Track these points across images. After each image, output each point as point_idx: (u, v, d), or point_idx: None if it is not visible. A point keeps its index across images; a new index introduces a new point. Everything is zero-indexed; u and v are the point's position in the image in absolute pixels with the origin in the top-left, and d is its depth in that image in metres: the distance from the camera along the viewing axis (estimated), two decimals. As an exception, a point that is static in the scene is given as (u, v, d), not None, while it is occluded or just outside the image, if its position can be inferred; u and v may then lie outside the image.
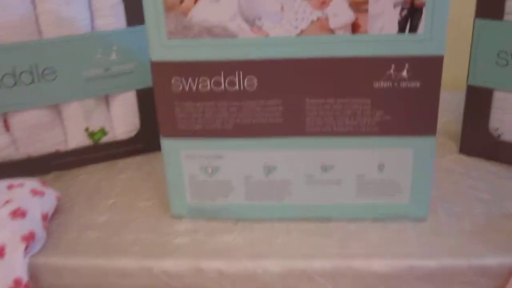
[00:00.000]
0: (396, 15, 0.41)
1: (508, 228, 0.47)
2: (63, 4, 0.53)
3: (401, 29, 0.41)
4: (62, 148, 0.59)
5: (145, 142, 0.61)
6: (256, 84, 0.44)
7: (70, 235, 0.48)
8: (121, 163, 0.61)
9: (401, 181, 0.47)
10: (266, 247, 0.45)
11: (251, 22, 0.42)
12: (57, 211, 0.51)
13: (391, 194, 0.47)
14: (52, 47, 0.54)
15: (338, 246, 0.45)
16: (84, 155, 0.59)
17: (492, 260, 0.43)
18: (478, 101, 0.57)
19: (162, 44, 0.43)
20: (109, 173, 0.59)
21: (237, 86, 0.44)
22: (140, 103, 0.60)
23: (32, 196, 0.48)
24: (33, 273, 0.44)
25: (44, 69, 0.54)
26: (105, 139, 0.60)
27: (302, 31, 0.42)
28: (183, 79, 0.44)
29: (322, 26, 0.42)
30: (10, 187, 0.49)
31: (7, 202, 0.46)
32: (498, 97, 0.56)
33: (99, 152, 0.60)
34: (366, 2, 0.41)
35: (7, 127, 0.55)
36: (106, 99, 0.59)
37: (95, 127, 0.59)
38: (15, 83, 0.53)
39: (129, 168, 0.59)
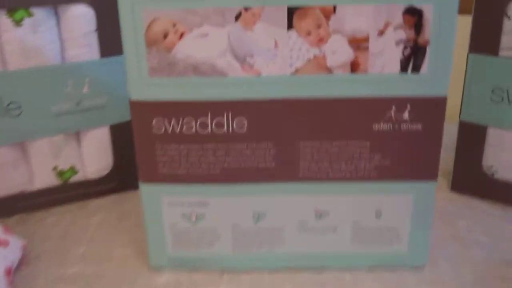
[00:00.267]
0: (399, 53, 0.38)
1: (511, 275, 0.44)
2: (30, 33, 0.49)
3: (403, 68, 0.38)
4: (27, 188, 0.54)
5: (119, 181, 0.57)
6: (246, 126, 0.40)
7: (36, 291, 0.43)
8: (93, 204, 0.56)
9: (399, 228, 0.44)
10: (256, 303, 0.42)
11: (242, 59, 0.38)
12: (22, 261, 0.46)
13: (388, 241, 0.44)
14: (17, 79, 0.49)
15: (335, 301, 0.42)
16: (52, 196, 0.55)
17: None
18: (471, 137, 0.55)
19: (143, 82, 0.39)
20: (80, 216, 0.54)
21: (225, 128, 0.40)
22: (114, 139, 0.55)
23: (-6, 248, 0.43)
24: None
25: (9, 103, 0.49)
26: (75, 179, 0.55)
27: (297, 70, 0.38)
28: (165, 120, 0.40)
29: (319, 65, 0.38)
30: (-32, 237, 0.44)
31: (-36, 256, 0.41)
32: (493, 134, 0.54)
33: (69, 192, 0.55)
34: (367, 40, 0.38)
35: (-34, 167, 0.50)
36: (77, 136, 0.55)
37: (64, 165, 0.54)
38: (-24, 119, 0.48)
39: (101, 210, 0.55)
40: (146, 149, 0.41)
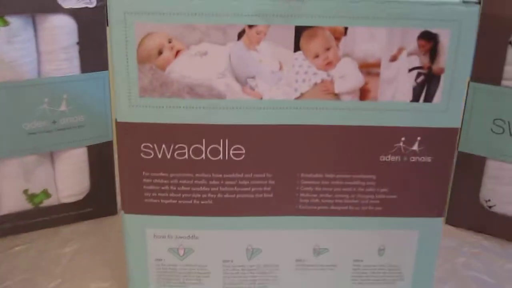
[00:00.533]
0: (411, 81, 0.35)
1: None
2: (4, 44, 0.44)
3: (416, 97, 0.36)
4: (-6, 213, 0.49)
5: (96, 206, 0.53)
6: (243, 154, 0.37)
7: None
8: (67, 231, 0.51)
9: (403, 266, 0.41)
10: None
11: (243, 81, 0.35)
12: (-16, 297, 0.41)
13: (391, 280, 0.41)
14: (-12, 94, 0.45)
15: None
16: (22, 222, 0.50)
17: None
18: (469, 169, 0.53)
19: (132, 103, 0.35)
20: (52, 244, 0.49)
21: (221, 156, 0.36)
22: (92, 161, 0.51)
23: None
24: None
25: (-23, 120, 0.45)
26: (47, 203, 0.51)
27: (302, 94, 0.35)
28: (155, 145, 0.36)
29: (326, 90, 0.35)
30: None
31: None
32: (492, 166, 0.52)
33: (40, 217, 0.51)
34: (378, 65, 0.35)
35: None
36: (51, 156, 0.50)
37: (36, 188, 0.50)
38: None
39: (77, 238, 0.50)
40: (132, 175, 0.37)
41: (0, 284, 0.43)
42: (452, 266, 0.48)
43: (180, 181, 0.37)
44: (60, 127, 0.48)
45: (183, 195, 0.37)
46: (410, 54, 0.35)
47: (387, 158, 0.37)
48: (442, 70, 0.35)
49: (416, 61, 0.35)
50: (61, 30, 0.46)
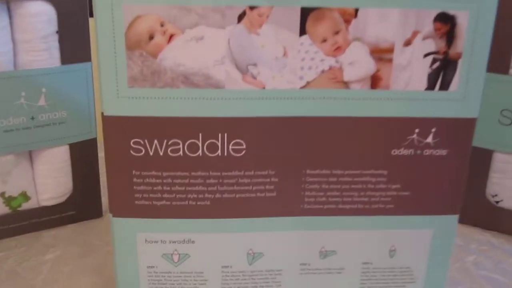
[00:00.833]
0: (426, 67, 0.32)
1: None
2: (-25, 33, 0.41)
3: (431, 85, 0.33)
4: (-33, 218, 0.45)
5: (79, 208, 0.49)
6: (244, 150, 0.33)
7: None
8: (48, 236, 0.48)
9: (415, 268, 0.38)
10: None
11: (243, 69, 0.31)
12: (-43, 311, 0.37)
13: (402, 283, 0.38)
14: (-42, 88, 0.41)
15: None
16: (-1, 227, 0.46)
17: None
18: (475, 163, 0.50)
19: (120, 94, 0.32)
20: (32, 251, 0.45)
21: (219, 152, 0.33)
22: (74, 160, 0.48)
23: None
24: None
25: None
26: (26, 206, 0.47)
27: (308, 83, 0.32)
28: (146, 140, 0.33)
29: (334, 78, 0.32)
30: None
31: None
32: (499, 160, 0.49)
33: (19, 222, 0.47)
34: (391, 50, 0.32)
35: None
36: (30, 156, 0.46)
37: (13, 191, 0.46)
38: None
39: (59, 244, 0.47)
40: (121, 175, 0.34)
41: (-25, 297, 0.40)
42: (462, 265, 0.46)
43: (174, 181, 0.34)
44: (39, 124, 0.45)
45: (177, 196, 0.34)
46: (425, 37, 0.32)
47: (400, 152, 0.34)
48: (459, 55, 0.32)
49: (431, 46, 0.32)
50: (38, 17, 0.42)
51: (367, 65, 0.32)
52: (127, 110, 0.32)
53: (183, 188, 0.34)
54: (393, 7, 0.31)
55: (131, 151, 0.33)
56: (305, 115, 0.33)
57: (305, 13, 0.31)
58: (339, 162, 0.34)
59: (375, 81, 0.33)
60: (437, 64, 0.33)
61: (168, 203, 0.34)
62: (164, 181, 0.34)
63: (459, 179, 0.36)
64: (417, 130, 0.34)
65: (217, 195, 0.34)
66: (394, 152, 0.34)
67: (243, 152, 0.33)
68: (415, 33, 0.32)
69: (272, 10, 0.30)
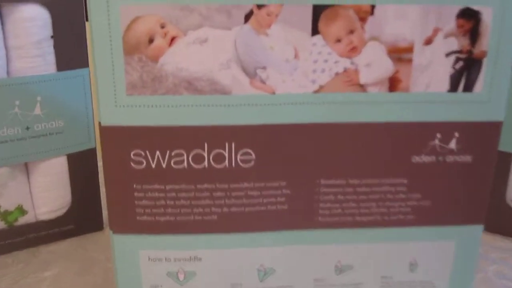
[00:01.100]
0: (448, 67, 0.30)
1: None
2: (-34, 39, 0.38)
3: (453, 86, 0.30)
4: (-39, 235, 0.43)
5: (78, 222, 0.47)
6: (253, 160, 0.31)
7: None
8: (46, 252, 0.45)
9: (437, 282, 0.35)
10: None
11: (251, 73, 0.29)
12: (-50, 336, 0.35)
13: (423, 299, 0.36)
14: (-52, 98, 0.39)
15: None
16: (-7, 243, 0.44)
17: None
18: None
19: (118, 102, 0.29)
20: (30, 268, 0.43)
21: (226, 163, 0.31)
22: (72, 171, 0.45)
23: None
24: None
25: None
26: (23, 220, 0.45)
27: (321, 87, 0.30)
28: (147, 152, 0.30)
29: (350, 81, 0.30)
30: None
31: None
32: (519, 163, 0.47)
33: (15, 238, 0.45)
34: (411, 49, 0.29)
35: None
36: (26, 168, 0.44)
37: (9, 205, 0.44)
38: None
39: (57, 260, 0.44)
40: (121, 189, 0.31)
41: (-32, 320, 0.37)
42: (485, 276, 0.43)
43: (178, 194, 0.31)
44: (34, 134, 0.42)
45: (182, 211, 0.32)
46: (447, 35, 0.30)
47: (420, 159, 0.32)
48: (484, 54, 0.30)
49: (454, 44, 0.30)
50: (32, 22, 0.40)
51: (385, 66, 0.30)
52: (126, 120, 0.30)
53: (188, 202, 0.31)
54: (412, 3, 0.29)
55: (132, 164, 0.31)
56: (318, 122, 0.30)
57: (318, 11, 0.28)
58: (356, 171, 0.32)
59: (393, 83, 0.30)
60: (460, 64, 0.30)
61: (172, 218, 0.32)
62: (168, 195, 0.31)
63: (484, 187, 0.33)
64: (439, 135, 0.32)
65: (225, 209, 0.32)
66: (415, 159, 0.32)
67: (252, 163, 0.31)
68: (436, 31, 0.29)
69: (282, 9, 0.28)
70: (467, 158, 0.32)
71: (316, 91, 0.30)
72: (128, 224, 0.32)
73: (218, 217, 0.32)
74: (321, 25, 0.29)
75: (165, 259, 0.33)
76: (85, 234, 0.47)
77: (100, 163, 0.43)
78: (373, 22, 0.29)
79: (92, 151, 0.46)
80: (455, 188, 0.33)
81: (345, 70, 0.30)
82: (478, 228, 0.34)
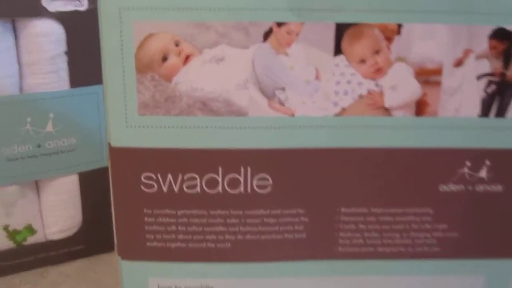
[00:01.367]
0: (480, 91, 0.28)
1: None
2: (-21, 54, 0.38)
3: (485, 111, 0.29)
4: (-32, 254, 0.42)
5: (89, 242, 0.45)
6: (270, 186, 0.29)
7: None
8: (55, 273, 0.44)
9: (464, 319, 0.33)
10: None
11: (269, 94, 0.28)
12: None
13: (448, 337, 0.33)
14: (-41, 114, 0.38)
15: None
16: (2, 263, 0.43)
17: None
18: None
19: (129, 123, 0.28)
20: (37, 290, 0.42)
21: (241, 188, 0.29)
22: (84, 190, 0.44)
23: None
24: None
25: None
26: (32, 240, 0.43)
27: (343, 110, 0.28)
28: (159, 175, 0.29)
29: (374, 104, 0.28)
30: None
31: None
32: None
33: (24, 258, 0.43)
34: (439, 72, 0.28)
35: None
36: (36, 186, 0.43)
37: (18, 224, 0.42)
38: None
39: (67, 281, 0.43)
40: (131, 214, 0.30)
41: None
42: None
43: (190, 220, 0.30)
44: (46, 152, 0.41)
45: (194, 237, 0.30)
46: (478, 57, 0.28)
47: (448, 188, 0.30)
48: (519, 77, 0.28)
49: (486, 66, 0.28)
50: (46, 37, 0.39)
51: (412, 89, 0.28)
52: (137, 141, 0.28)
53: (201, 229, 0.30)
54: (441, 23, 0.27)
55: (142, 187, 0.29)
56: (340, 146, 0.29)
57: (341, 30, 0.27)
58: (379, 199, 0.30)
59: (420, 107, 0.28)
60: (492, 88, 0.28)
61: (184, 245, 0.30)
62: (179, 220, 0.30)
63: (516, 219, 0.31)
64: (468, 163, 0.30)
65: (239, 237, 0.30)
66: (442, 188, 0.30)
67: (269, 188, 0.29)
68: (467, 52, 0.28)
69: (303, 27, 0.27)
70: (498, 188, 0.30)
71: (337, 114, 0.28)
72: (138, 250, 0.31)
73: (232, 245, 0.30)
74: (344, 45, 0.27)
75: (175, 287, 0.31)
76: (95, 255, 0.46)
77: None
78: (399, 42, 0.27)
79: (105, 170, 0.44)
80: (485, 219, 0.31)
81: (369, 93, 0.28)
82: (510, 263, 0.32)
